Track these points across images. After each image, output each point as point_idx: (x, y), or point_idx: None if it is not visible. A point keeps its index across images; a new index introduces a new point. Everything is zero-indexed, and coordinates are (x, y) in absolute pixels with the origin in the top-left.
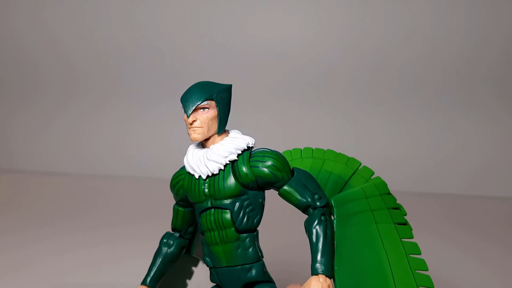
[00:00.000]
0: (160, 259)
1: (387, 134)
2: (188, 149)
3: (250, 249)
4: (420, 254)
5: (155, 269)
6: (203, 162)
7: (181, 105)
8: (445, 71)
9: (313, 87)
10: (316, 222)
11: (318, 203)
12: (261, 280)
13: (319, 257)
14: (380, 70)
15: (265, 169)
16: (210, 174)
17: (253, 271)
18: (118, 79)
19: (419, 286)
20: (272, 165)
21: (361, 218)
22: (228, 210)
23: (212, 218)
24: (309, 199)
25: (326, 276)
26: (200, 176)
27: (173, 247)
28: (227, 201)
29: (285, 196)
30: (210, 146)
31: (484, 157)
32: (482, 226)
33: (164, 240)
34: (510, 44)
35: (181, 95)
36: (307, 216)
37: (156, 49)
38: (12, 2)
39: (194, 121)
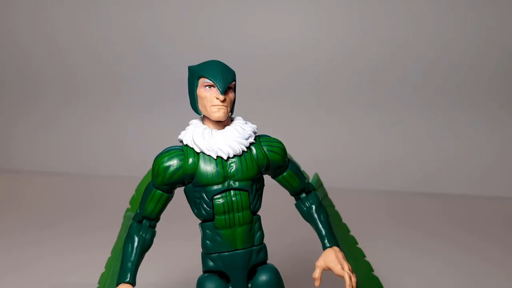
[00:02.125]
0: (138, 254)
1: (388, 135)
2: (192, 128)
3: (259, 231)
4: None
5: (136, 264)
6: (227, 142)
7: (208, 79)
8: (446, 71)
9: (314, 88)
10: (318, 203)
11: (310, 187)
12: (262, 262)
13: (328, 233)
14: (381, 71)
15: (277, 154)
16: (231, 155)
17: (261, 253)
18: (118, 80)
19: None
20: (282, 149)
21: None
22: (246, 192)
23: (233, 199)
24: (305, 183)
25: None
26: (218, 157)
27: (149, 239)
28: (247, 183)
29: (287, 180)
30: (228, 127)
31: (484, 157)
32: (483, 227)
33: (140, 233)
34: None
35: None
36: (296, 200)
37: (155, 50)
38: (12, 3)
39: (225, 99)
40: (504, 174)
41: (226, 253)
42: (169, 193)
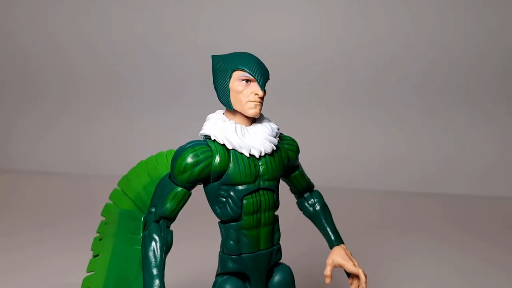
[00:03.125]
0: (164, 256)
1: (388, 135)
2: (220, 123)
3: (278, 231)
4: None
5: (163, 268)
6: (259, 140)
7: (248, 73)
8: (446, 71)
9: (314, 88)
10: (323, 202)
11: (312, 185)
12: (279, 261)
13: (335, 231)
14: (381, 71)
15: (294, 152)
16: (263, 154)
17: (279, 253)
18: (118, 80)
19: None
20: (297, 148)
21: None
22: (272, 191)
23: (262, 199)
24: (309, 181)
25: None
26: (251, 155)
27: (170, 241)
28: (274, 182)
29: (297, 179)
30: (257, 125)
31: (484, 157)
32: (483, 227)
33: (162, 235)
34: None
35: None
36: (298, 198)
37: (155, 51)
38: (12, 3)
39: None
40: (504, 174)
41: (249, 254)
42: (190, 190)
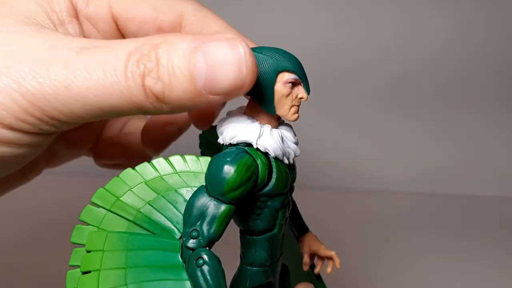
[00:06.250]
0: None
1: (394, 134)
2: (258, 128)
3: None
4: None
5: None
6: (293, 145)
7: (296, 76)
8: (450, 73)
9: (332, 90)
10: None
11: None
12: None
13: (302, 220)
14: (399, 76)
15: None
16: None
17: None
18: None
19: None
20: None
21: None
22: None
23: (287, 206)
24: None
25: None
26: (289, 162)
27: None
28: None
29: None
30: (284, 126)
31: (490, 158)
32: (486, 228)
33: (218, 261)
34: None
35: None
36: None
37: None
38: None
39: None
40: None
41: (276, 261)
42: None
